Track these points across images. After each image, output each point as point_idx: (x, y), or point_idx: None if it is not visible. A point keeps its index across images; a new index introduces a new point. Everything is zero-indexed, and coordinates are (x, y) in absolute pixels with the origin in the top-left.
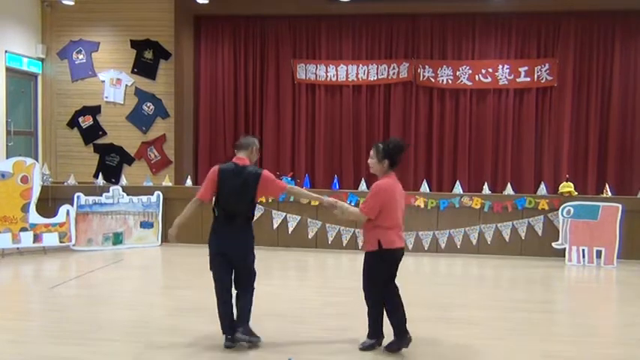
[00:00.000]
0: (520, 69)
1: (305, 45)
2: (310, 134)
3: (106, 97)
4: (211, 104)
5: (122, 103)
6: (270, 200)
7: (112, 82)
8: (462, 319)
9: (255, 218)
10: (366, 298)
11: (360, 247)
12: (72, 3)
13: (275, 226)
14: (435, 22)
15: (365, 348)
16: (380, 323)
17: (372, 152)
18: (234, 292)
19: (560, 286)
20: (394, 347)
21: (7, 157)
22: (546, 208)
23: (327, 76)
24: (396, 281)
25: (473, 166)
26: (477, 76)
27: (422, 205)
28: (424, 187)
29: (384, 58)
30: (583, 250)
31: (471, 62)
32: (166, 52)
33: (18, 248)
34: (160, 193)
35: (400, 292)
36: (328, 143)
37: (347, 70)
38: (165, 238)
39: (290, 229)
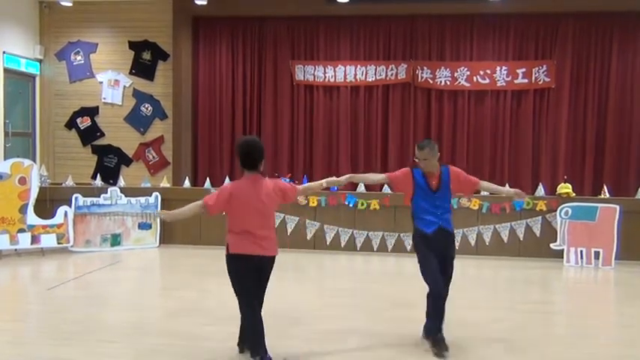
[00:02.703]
0: (518, 70)
1: (303, 46)
2: (308, 135)
3: (104, 98)
4: (210, 105)
5: (120, 104)
6: None
7: (110, 83)
8: (459, 320)
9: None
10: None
11: (358, 249)
12: (70, 4)
13: None
14: (433, 23)
15: None
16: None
17: None
18: None
19: (558, 287)
20: None
21: (4, 159)
22: (544, 209)
23: (325, 77)
24: (395, 283)
25: (471, 167)
26: (474, 78)
27: None
28: None
29: (382, 59)
30: (581, 251)
31: (469, 64)
32: (165, 53)
33: (16, 249)
34: (158, 194)
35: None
36: (326, 144)
37: (345, 71)
38: (163, 240)
39: (289, 231)
